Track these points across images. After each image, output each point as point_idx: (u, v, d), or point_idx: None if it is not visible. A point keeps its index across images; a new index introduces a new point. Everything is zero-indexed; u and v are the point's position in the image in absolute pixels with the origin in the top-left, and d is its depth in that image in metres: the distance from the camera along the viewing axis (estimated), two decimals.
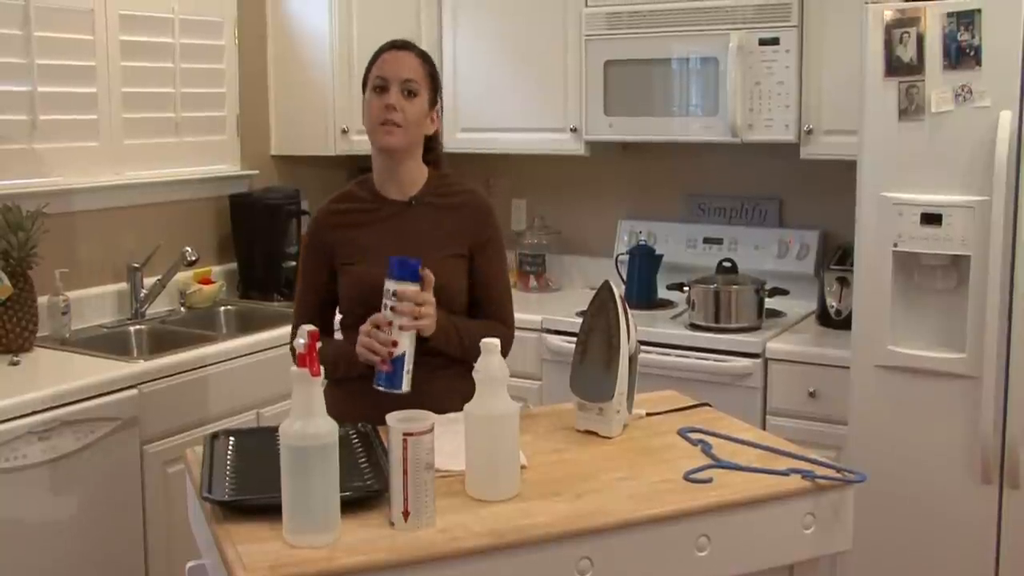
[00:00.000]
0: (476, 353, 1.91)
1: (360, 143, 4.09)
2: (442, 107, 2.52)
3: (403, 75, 2.36)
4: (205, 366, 3.21)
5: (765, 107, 3.54)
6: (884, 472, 2.94)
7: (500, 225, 2.49)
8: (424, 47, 2.50)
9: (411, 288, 2.20)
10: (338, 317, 2.49)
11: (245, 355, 3.34)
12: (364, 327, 2.23)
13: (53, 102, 3.45)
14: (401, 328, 2.19)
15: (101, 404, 2.89)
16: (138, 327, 3.63)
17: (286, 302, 3.98)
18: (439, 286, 2.28)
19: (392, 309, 2.19)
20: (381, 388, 2.19)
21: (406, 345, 2.20)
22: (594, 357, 2.23)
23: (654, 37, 3.71)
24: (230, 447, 2.10)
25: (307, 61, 4.19)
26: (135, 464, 3.00)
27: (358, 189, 2.47)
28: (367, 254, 2.38)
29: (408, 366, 2.20)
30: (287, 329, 3.40)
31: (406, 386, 2.19)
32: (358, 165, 4.56)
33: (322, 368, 1.71)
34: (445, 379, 2.31)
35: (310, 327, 1.71)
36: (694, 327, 3.55)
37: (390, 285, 2.20)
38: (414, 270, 2.20)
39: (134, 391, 2.98)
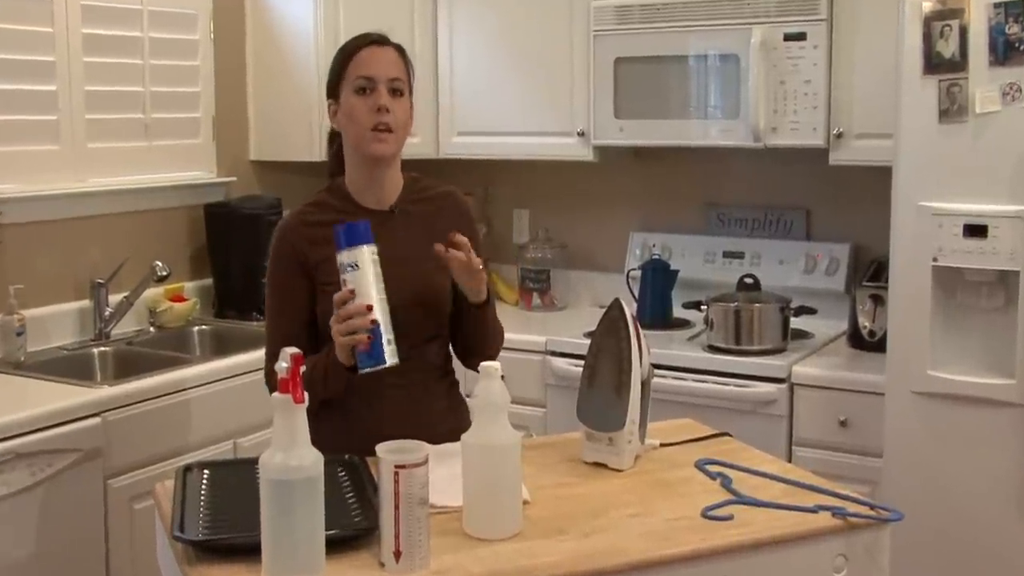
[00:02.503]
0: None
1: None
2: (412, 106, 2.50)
3: (390, 73, 2.37)
4: (177, 392, 3.21)
5: (791, 108, 3.55)
6: (923, 509, 2.93)
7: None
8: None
9: (367, 250, 2.17)
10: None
11: (221, 379, 3.34)
12: (332, 318, 2.19)
13: (7, 101, 3.46)
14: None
15: (60, 434, 2.88)
16: (102, 349, 3.63)
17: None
18: (431, 298, 2.33)
19: (344, 282, 2.15)
20: (368, 371, 2.17)
21: (378, 313, 2.16)
22: (603, 382, 2.24)
23: (669, 32, 3.73)
24: (204, 481, 2.10)
25: (290, 58, 4.21)
26: (98, 500, 2.99)
27: (330, 197, 2.45)
28: None
29: (388, 335, 2.16)
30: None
31: (391, 358, 2.16)
32: (329, 171, 4.60)
33: (307, 394, 1.71)
34: (441, 395, 2.31)
35: (293, 349, 1.71)
36: (713, 349, 3.55)
37: (345, 257, 2.15)
38: (365, 231, 2.16)
39: (97, 420, 2.98)
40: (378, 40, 2.42)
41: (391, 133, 2.35)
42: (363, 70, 2.37)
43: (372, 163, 2.40)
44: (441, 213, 2.47)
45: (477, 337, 2.44)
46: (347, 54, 2.41)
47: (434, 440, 1.94)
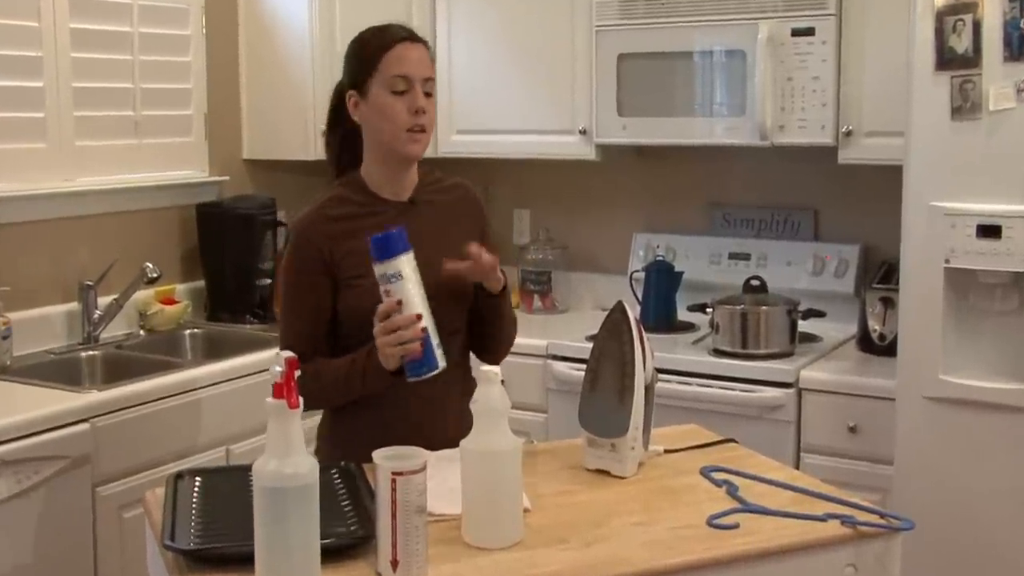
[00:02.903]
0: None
1: None
2: None
3: (425, 73, 2.40)
4: (167, 397, 3.21)
5: (798, 106, 3.56)
6: (934, 518, 2.93)
7: None
8: (354, 38, 2.51)
9: (407, 259, 2.20)
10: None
11: (213, 384, 3.34)
12: (377, 328, 2.21)
13: None
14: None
15: (48, 441, 2.88)
16: (91, 353, 3.63)
17: (260, 324, 3.99)
18: (455, 289, 2.37)
19: (389, 293, 2.19)
20: (421, 378, 2.20)
21: (426, 320, 2.21)
22: (606, 387, 2.24)
23: (673, 27, 3.73)
24: (196, 488, 2.10)
25: (284, 53, 4.21)
26: (86, 508, 2.99)
27: (347, 191, 2.47)
28: None
29: (436, 339, 2.22)
30: (261, 355, 3.46)
31: (441, 361, 2.22)
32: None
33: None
34: (463, 390, 2.35)
35: (287, 354, 1.71)
36: (718, 353, 3.56)
37: (386, 268, 2.18)
38: (402, 240, 2.19)
39: (86, 425, 2.98)
40: (410, 36, 2.42)
41: (424, 133, 2.39)
42: (400, 68, 2.37)
43: (402, 161, 2.43)
44: (456, 204, 2.53)
45: (495, 327, 2.48)
46: (379, 48, 2.39)
47: (458, 437, 1.97)
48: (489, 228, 2.59)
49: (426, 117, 2.38)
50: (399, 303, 2.18)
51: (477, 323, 2.50)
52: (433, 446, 2.10)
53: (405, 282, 2.19)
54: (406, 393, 2.30)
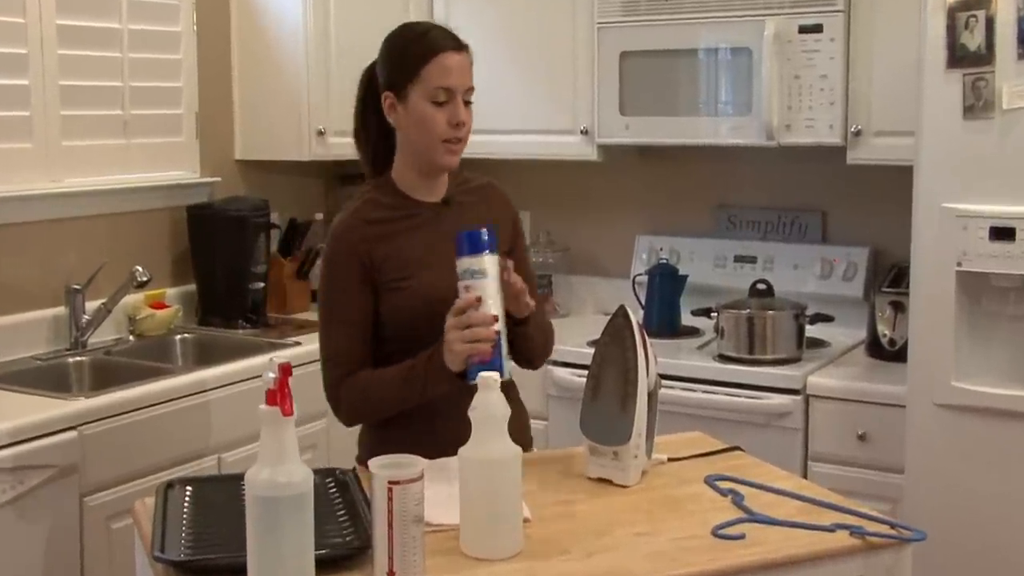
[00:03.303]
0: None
1: (339, 146, 4.12)
2: None
3: (467, 83, 2.43)
4: (157, 404, 3.21)
5: (806, 105, 3.56)
6: (946, 529, 2.93)
7: None
8: (394, 33, 2.52)
9: (493, 259, 2.23)
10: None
11: (205, 391, 3.34)
12: (451, 322, 2.23)
13: None
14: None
15: (34, 449, 2.88)
16: (78, 359, 3.63)
17: (252, 329, 3.99)
18: None
19: (468, 289, 2.21)
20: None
21: (500, 325, 2.23)
22: (608, 394, 2.24)
23: (677, 24, 3.74)
24: (187, 498, 2.10)
25: (277, 50, 4.21)
26: (73, 519, 2.99)
27: (380, 195, 2.49)
28: (420, 266, 2.42)
29: (505, 349, 2.24)
30: (253, 361, 3.46)
31: (507, 373, 2.23)
32: (334, 173, 4.61)
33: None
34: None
35: (282, 360, 1.71)
36: (723, 359, 3.56)
37: (471, 264, 2.21)
38: (491, 239, 2.23)
39: (73, 433, 2.98)
40: (455, 45, 2.43)
41: (461, 143, 2.43)
42: (445, 80, 2.39)
43: (437, 171, 2.47)
44: (488, 204, 2.57)
45: (526, 346, 2.48)
46: (422, 55, 2.39)
47: None
48: (521, 231, 2.63)
49: (464, 128, 2.41)
50: (478, 299, 2.20)
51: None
52: None
53: (488, 280, 2.21)
54: (446, 406, 2.29)
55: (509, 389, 2.55)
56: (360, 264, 2.40)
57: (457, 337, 2.22)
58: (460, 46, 2.44)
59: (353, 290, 2.41)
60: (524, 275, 2.48)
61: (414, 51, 2.41)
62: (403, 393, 2.35)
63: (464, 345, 2.21)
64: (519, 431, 2.52)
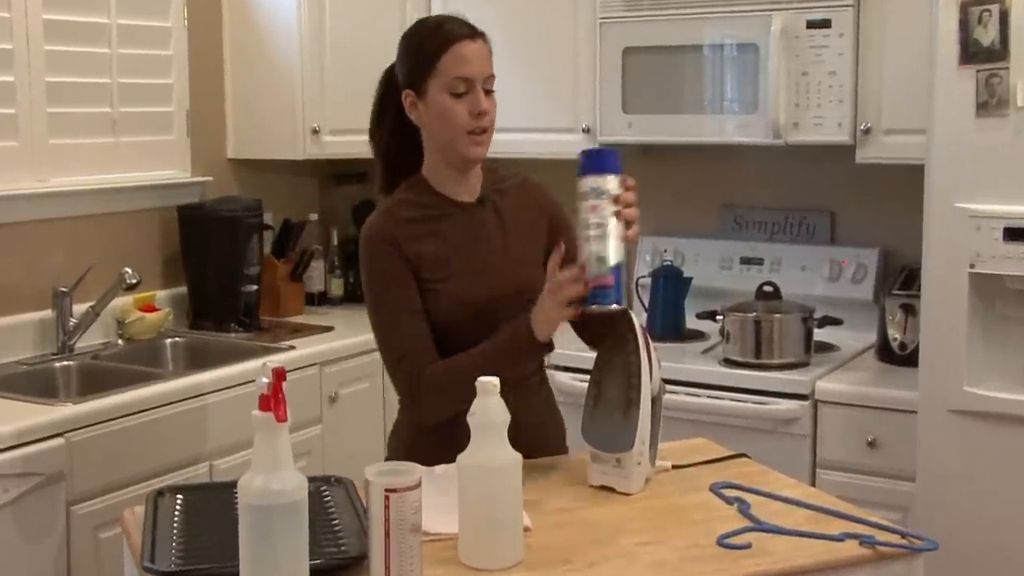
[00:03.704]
0: None
1: (334, 144, 4.13)
2: None
3: (486, 71, 2.42)
4: (147, 410, 3.21)
5: (814, 102, 3.56)
6: (959, 538, 2.93)
7: None
8: (409, 31, 2.52)
9: (616, 181, 2.23)
10: None
11: (196, 396, 3.34)
12: (548, 285, 2.24)
13: None
14: (617, 219, 2.22)
15: (19, 457, 2.87)
16: (65, 363, 3.62)
17: (245, 333, 3.99)
18: (529, 291, 2.35)
19: (594, 209, 2.20)
20: (604, 309, 2.21)
21: (622, 252, 2.23)
22: (610, 399, 2.24)
23: (682, 19, 3.74)
24: (177, 507, 2.10)
25: (271, 46, 4.22)
26: (60, 528, 2.99)
27: (415, 195, 2.49)
28: (453, 268, 2.43)
29: (624, 277, 2.23)
30: (246, 365, 3.46)
31: (624, 301, 2.22)
32: (329, 172, 4.62)
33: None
34: (539, 402, 2.42)
35: (275, 364, 1.71)
36: (729, 363, 3.56)
37: (592, 182, 2.21)
38: (615, 159, 2.23)
39: (60, 440, 2.97)
40: (469, 34, 2.43)
41: (486, 134, 2.42)
42: (461, 70, 2.39)
43: (464, 164, 2.46)
44: (526, 202, 2.57)
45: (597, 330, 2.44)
46: (438, 48, 2.40)
47: (530, 454, 2.00)
48: (564, 219, 2.57)
49: (487, 118, 2.41)
50: (600, 228, 2.19)
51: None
52: None
53: (609, 204, 2.20)
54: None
55: (548, 397, 2.58)
56: (403, 257, 2.41)
57: (552, 304, 2.24)
58: (475, 34, 2.44)
59: (407, 279, 2.40)
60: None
61: (428, 45, 2.41)
62: (494, 366, 2.21)
63: (559, 311, 2.24)
64: (560, 440, 2.51)
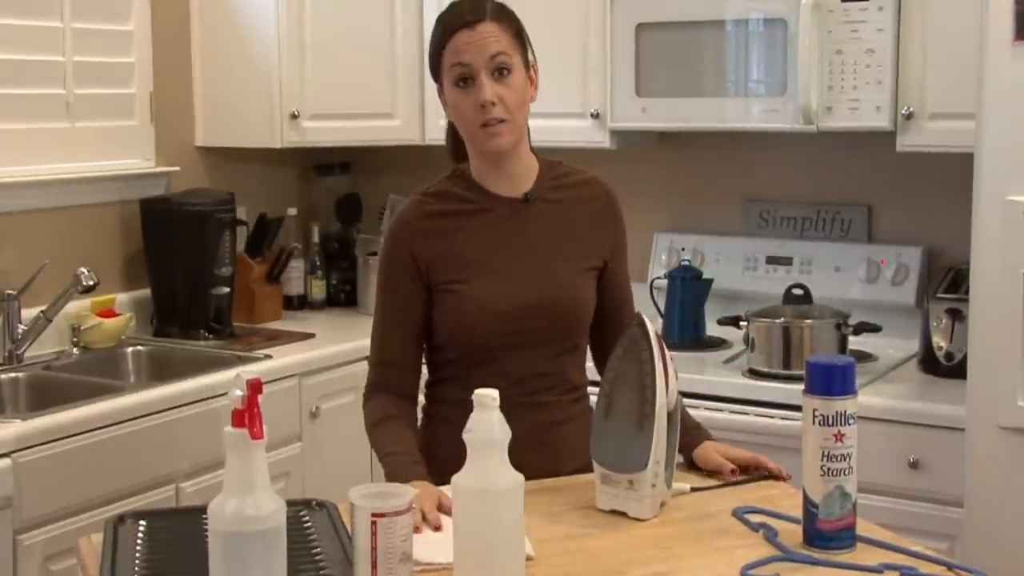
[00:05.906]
0: None
1: (315, 131, 4.13)
2: (535, 60, 2.61)
3: (489, 52, 2.44)
4: (105, 427, 3.21)
5: (849, 84, 3.57)
6: (1012, 570, 2.94)
7: None
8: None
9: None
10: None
11: (161, 411, 3.35)
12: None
13: None
14: None
15: None
16: (13, 375, 3.63)
17: (215, 341, 4.00)
18: (567, 305, 2.46)
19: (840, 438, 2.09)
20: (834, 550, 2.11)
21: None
22: (622, 414, 2.24)
23: None
24: (140, 534, 2.10)
25: (244, 23, 4.22)
26: (6, 559, 2.98)
27: (454, 185, 2.55)
28: (479, 269, 2.46)
29: None
30: (217, 376, 3.47)
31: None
32: (310, 162, 4.62)
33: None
34: (573, 421, 2.46)
35: (250, 376, 1.72)
36: (754, 374, 3.57)
37: (842, 405, 2.08)
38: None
39: (6, 461, 2.97)
40: (472, 19, 2.45)
41: (504, 123, 2.44)
42: (458, 57, 2.44)
43: (491, 156, 2.50)
44: (582, 204, 2.59)
45: None
46: (440, 39, 2.48)
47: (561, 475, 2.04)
48: (624, 245, 2.64)
49: (499, 106, 2.43)
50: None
51: (600, 344, 2.56)
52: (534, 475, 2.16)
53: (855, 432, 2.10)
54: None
55: (583, 412, 2.59)
56: (411, 262, 2.48)
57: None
58: (476, 19, 2.45)
59: (409, 286, 2.49)
60: (620, 300, 2.57)
61: (434, 36, 2.50)
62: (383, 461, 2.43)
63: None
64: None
